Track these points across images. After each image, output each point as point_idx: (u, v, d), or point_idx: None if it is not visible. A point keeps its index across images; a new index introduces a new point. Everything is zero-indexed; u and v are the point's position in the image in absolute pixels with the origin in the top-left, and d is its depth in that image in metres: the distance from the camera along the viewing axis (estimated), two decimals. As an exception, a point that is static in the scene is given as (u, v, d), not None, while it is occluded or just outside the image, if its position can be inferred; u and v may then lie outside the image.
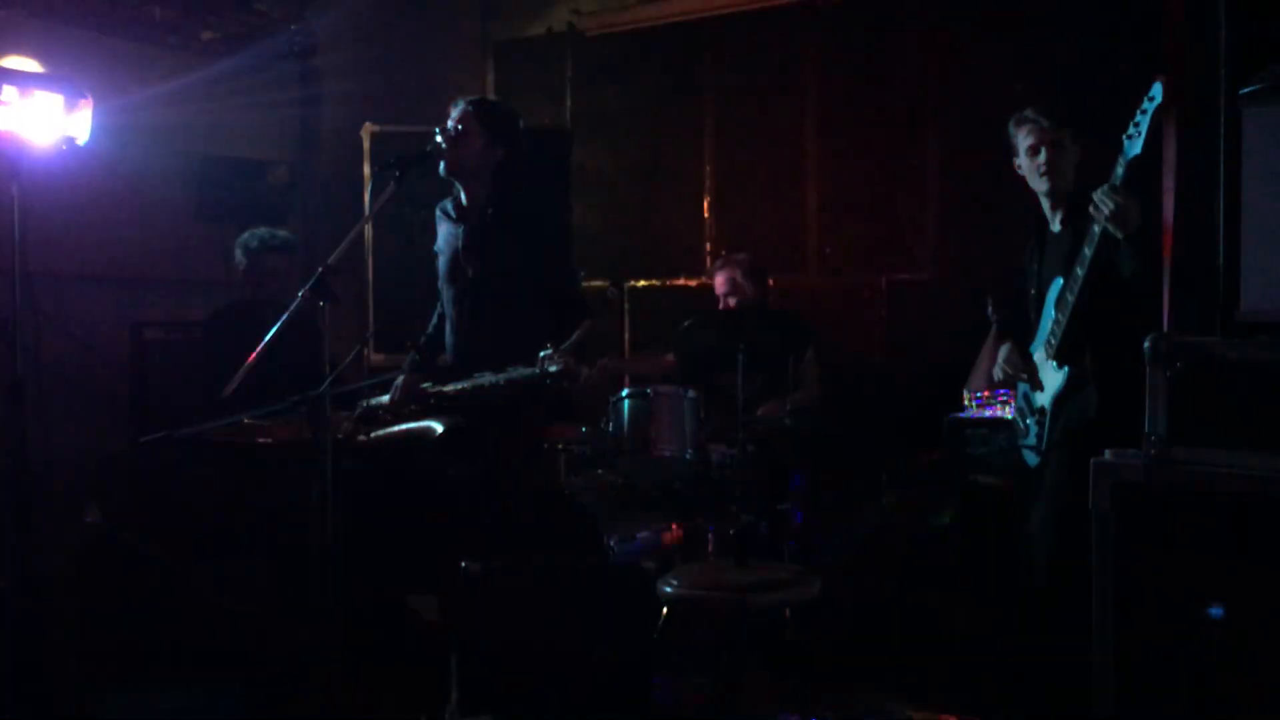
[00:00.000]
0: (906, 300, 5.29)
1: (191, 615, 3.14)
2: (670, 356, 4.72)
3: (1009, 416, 3.65)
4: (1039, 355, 3.46)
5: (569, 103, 6.27)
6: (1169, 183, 2.80)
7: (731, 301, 4.62)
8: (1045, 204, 3.53)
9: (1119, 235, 3.09)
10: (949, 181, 5.19)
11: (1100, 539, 2.38)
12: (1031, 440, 3.46)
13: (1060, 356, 3.33)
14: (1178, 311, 2.95)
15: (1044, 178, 3.42)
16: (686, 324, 4.01)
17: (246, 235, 4.58)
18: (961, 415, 4.27)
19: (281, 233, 4.65)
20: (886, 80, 5.33)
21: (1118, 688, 2.36)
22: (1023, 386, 3.55)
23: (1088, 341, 3.30)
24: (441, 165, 3.62)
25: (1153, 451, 2.36)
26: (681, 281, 5.93)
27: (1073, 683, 3.34)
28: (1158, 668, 2.35)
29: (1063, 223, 3.46)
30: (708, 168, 5.86)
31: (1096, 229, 3.13)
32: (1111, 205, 3.04)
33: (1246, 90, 2.66)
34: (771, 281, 4.88)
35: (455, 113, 3.64)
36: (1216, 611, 2.28)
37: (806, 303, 5.50)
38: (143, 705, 3.01)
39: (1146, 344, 2.39)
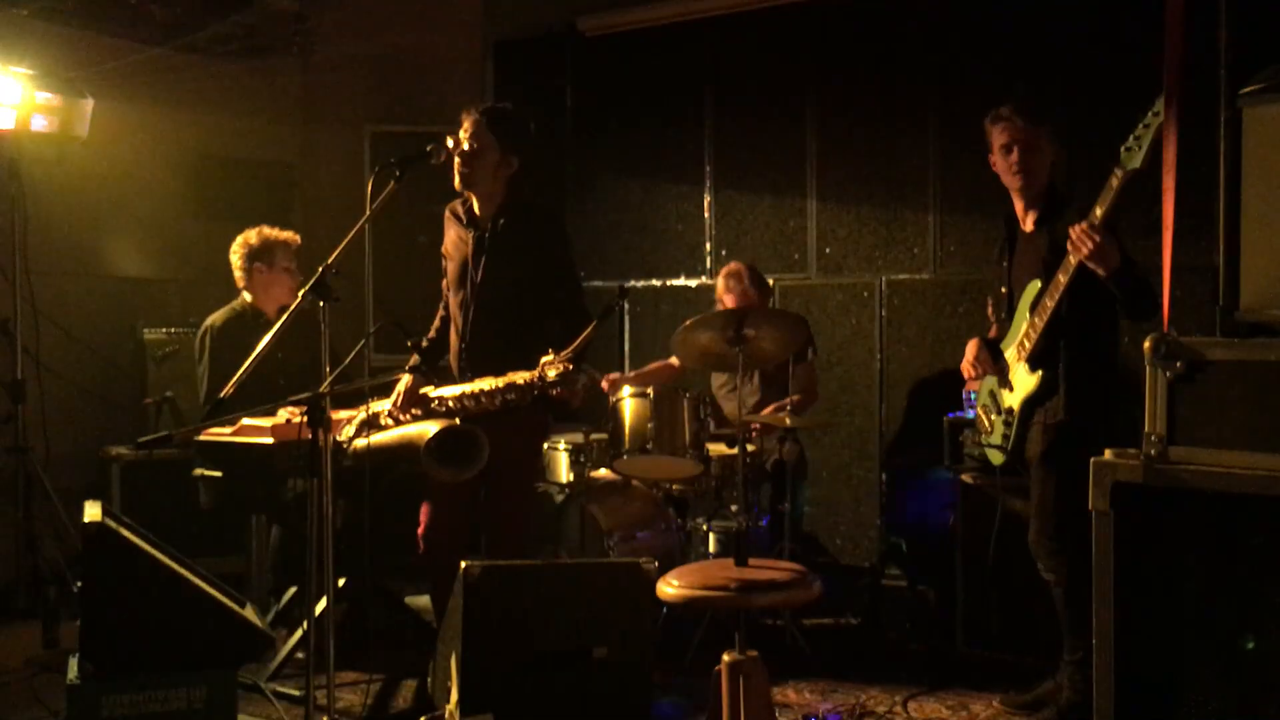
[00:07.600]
0: (906, 300, 5.30)
1: (191, 615, 3.14)
2: (675, 360, 4.70)
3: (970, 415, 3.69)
4: (1010, 354, 3.46)
5: (569, 103, 6.27)
6: (1169, 182, 2.79)
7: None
8: (1017, 202, 3.53)
9: (1099, 273, 3.10)
10: (949, 181, 5.18)
11: (1100, 539, 2.38)
12: (998, 440, 3.48)
13: (1034, 360, 3.34)
14: (1177, 311, 2.95)
15: (1016, 176, 3.43)
16: (687, 324, 4.00)
17: (243, 237, 4.52)
18: (961, 414, 4.27)
19: (278, 231, 4.56)
20: (886, 80, 5.33)
21: (1118, 688, 2.36)
22: (988, 384, 3.56)
23: (1062, 346, 3.31)
24: (456, 178, 3.61)
25: (1152, 451, 2.36)
26: (681, 281, 5.93)
27: (1072, 681, 3.34)
28: (1158, 668, 2.35)
29: (1036, 223, 3.46)
30: (708, 168, 5.86)
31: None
32: (1089, 246, 3.04)
33: (1246, 90, 2.66)
34: (771, 282, 4.87)
35: (468, 124, 3.60)
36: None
37: (806, 303, 5.50)
38: (142, 704, 3.01)
39: (1146, 344, 2.39)
